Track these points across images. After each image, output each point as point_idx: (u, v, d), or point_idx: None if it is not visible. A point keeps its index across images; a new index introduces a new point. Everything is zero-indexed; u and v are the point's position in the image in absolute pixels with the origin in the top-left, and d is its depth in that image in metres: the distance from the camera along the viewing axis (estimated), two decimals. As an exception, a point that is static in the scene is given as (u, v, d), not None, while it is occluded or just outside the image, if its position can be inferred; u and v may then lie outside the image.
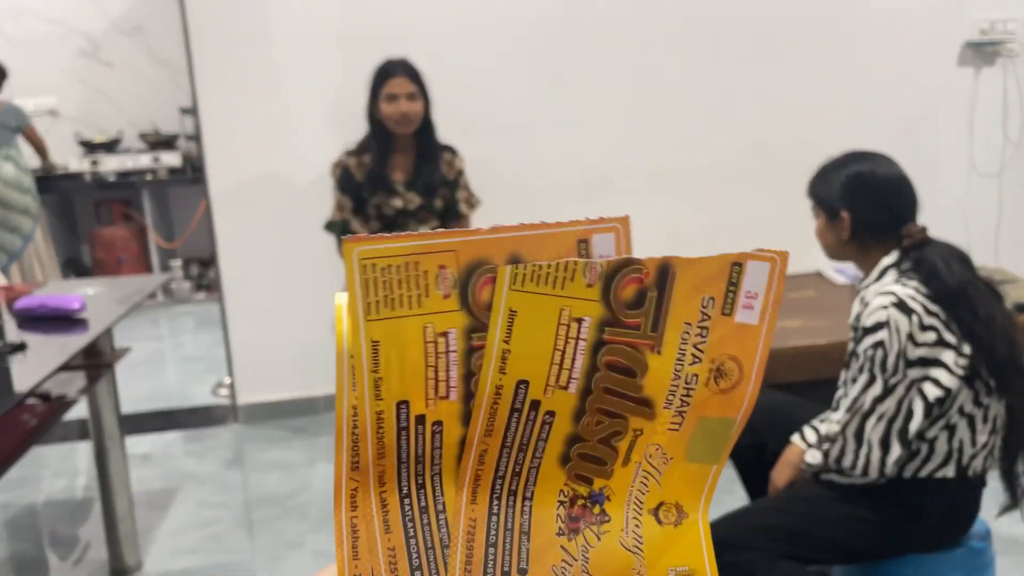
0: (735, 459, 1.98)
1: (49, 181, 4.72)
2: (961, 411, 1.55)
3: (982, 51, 3.31)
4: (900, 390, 1.52)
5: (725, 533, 1.54)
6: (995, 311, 1.55)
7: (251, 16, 2.85)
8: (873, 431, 1.53)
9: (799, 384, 2.52)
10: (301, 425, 3.08)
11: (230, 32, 2.84)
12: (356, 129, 2.77)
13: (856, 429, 1.54)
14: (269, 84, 2.90)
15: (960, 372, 1.51)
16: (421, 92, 2.67)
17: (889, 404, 1.53)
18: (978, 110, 3.36)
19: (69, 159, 4.85)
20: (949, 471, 1.56)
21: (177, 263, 5.08)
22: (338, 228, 2.80)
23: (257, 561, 2.20)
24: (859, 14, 3.19)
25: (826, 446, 1.59)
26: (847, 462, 1.56)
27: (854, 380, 1.57)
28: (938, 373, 1.51)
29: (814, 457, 1.64)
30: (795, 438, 1.74)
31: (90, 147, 4.91)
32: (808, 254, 3.15)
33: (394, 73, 2.64)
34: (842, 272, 3.15)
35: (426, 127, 2.73)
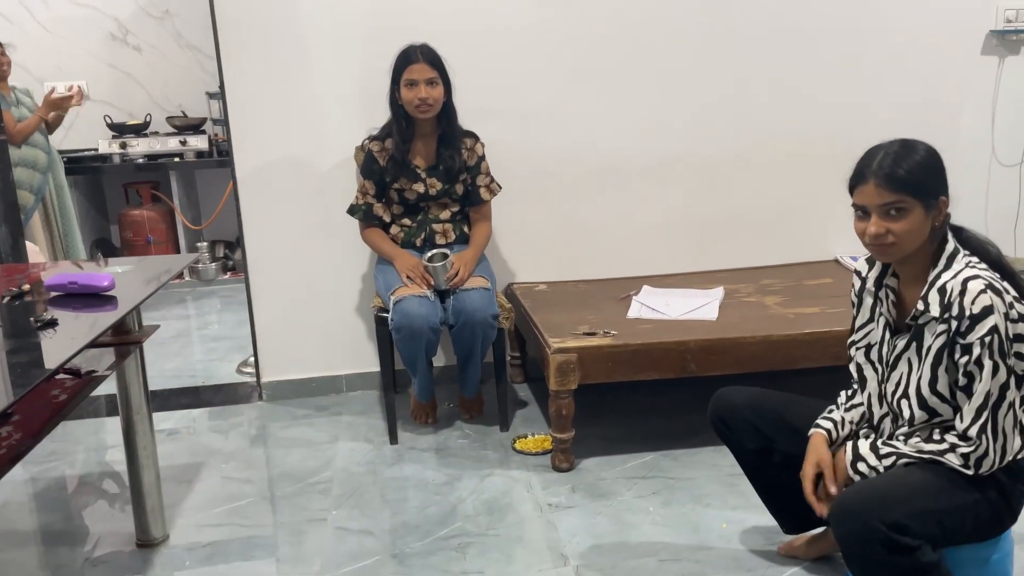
0: (743, 464, 2.01)
1: (79, 163, 4.82)
2: None
3: (1006, 40, 3.28)
4: (1016, 371, 1.52)
5: (903, 518, 1.48)
6: None
7: (278, 1, 2.89)
8: (1006, 420, 1.52)
9: (815, 370, 2.54)
10: (324, 403, 3.14)
11: (257, 17, 2.89)
12: (381, 113, 2.81)
13: (992, 424, 1.51)
14: (295, 68, 2.95)
15: None
16: (441, 77, 2.70)
17: (1013, 387, 1.52)
18: (1001, 99, 3.33)
19: (99, 142, 4.94)
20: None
21: (203, 244, 5.17)
22: (361, 212, 2.85)
23: (280, 535, 2.26)
24: (883, 2, 3.17)
25: (961, 452, 1.53)
26: (988, 463, 1.52)
27: (968, 374, 1.52)
28: (1023, 347, 1.52)
29: (867, 468, 1.61)
30: (814, 429, 1.76)
31: (119, 130, 5.00)
32: (824, 241, 3.17)
33: (414, 59, 2.67)
34: (857, 259, 3.15)
35: (446, 112, 2.76)
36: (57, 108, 4.05)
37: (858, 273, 1.78)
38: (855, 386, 1.79)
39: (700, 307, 2.75)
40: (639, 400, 3.02)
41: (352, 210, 2.87)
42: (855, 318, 1.78)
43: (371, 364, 3.17)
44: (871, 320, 1.74)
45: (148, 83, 5.18)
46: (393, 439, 2.78)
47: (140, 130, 5.03)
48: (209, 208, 5.26)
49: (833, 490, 1.65)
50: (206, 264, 5.13)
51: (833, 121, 3.20)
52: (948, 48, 3.25)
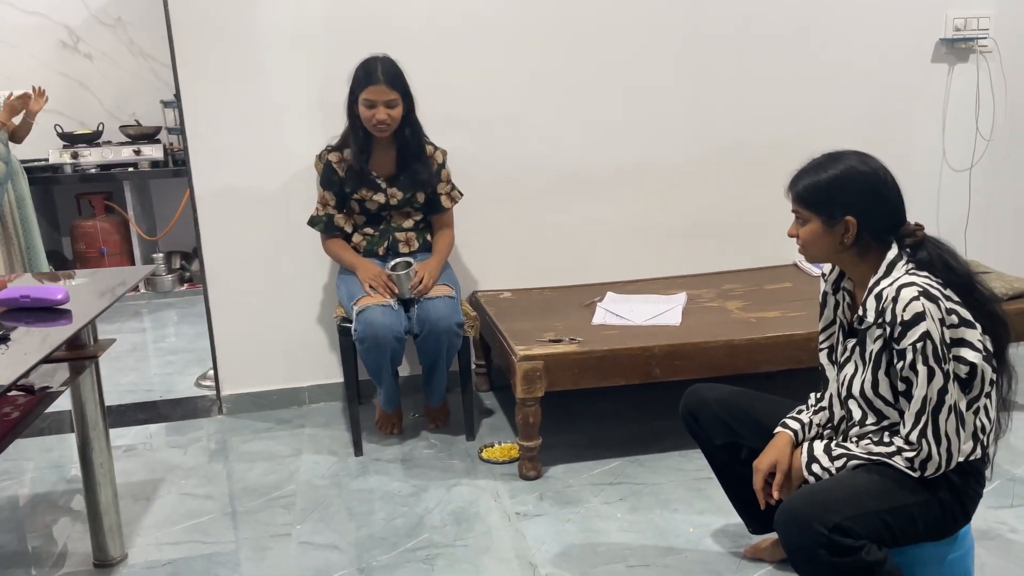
0: (711, 460, 2.02)
1: (29, 173, 4.68)
2: (984, 392, 1.58)
3: (955, 48, 3.37)
4: (960, 375, 1.55)
5: (843, 520, 1.50)
6: (996, 296, 1.63)
7: (235, 7, 2.85)
8: (947, 423, 1.53)
9: (777, 373, 2.58)
10: (286, 416, 3.09)
11: (213, 23, 2.84)
12: (340, 121, 2.78)
13: (932, 428, 1.53)
14: (253, 76, 2.91)
15: (982, 350, 1.56)
16: (402, 95, 2.67)
17: (953, 392, 1.54)
18: (951, 106, 3.42)
19: (49, 151, 4.81)
20: (978, 452, 1.60)
21: (159, 256, 5.06)
22: (321, 223, 2.82)
23: (243, 552, 2.22)
24: (836, 11, 3.24)
25: (906, 456, 1.55)
26: (933, 466, 1.54)
27: (906, 379, 1.55)
28: (964, 352, 1.55)
29: (820, 470, 1.63)
30: (780, 428, 1.78)
31: (71, 139, 4.88)
32: (785, 247, 3.21)
33: (374, 79, 2.63)
34: (816, 264, 3.20)
35: (409, 125, 2.74)
36: (16, 112, 3.91)
37: (823, 274, 1.81)
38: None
39: (663, 313, 2.77)
40: (605, 406, 3.03)
41: (313, 222, 2.83)
42: (820, 319, 1.80)
43: (334, 375, 3.13)
44: (833, 322, 1.77)
45: (100, 91, 5.08)
46: (358, 451, 2.75)
47: (92, 139, 4.91)
48: (165, 219, 5.15)
49: (776, 495, 1.69)
50: (162, 276, 5.03)
51: (789, 130, 3.25)
52: (900, 56, 3.33)
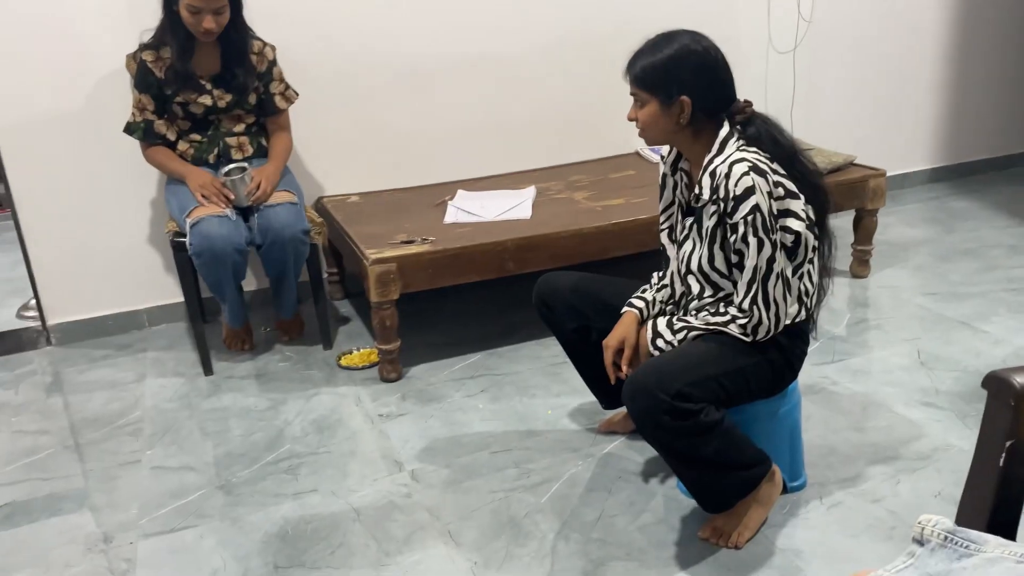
0: (564, 345, 2.08)
1: None
2: (807, 258, 1.68)
3: (779, -70, 3.45)
4: (786, 244, 1.63)
5: (683, 387, 1.57)
6: (818, 169, 1.72)
7: None
8: (775, 290, 1.62)
9: (624, 258, 2.66)
10: (125, 341, 2.90)
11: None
12: (151, 14, 2.52)
13: (762, 295, 1.61)
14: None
15: (806, 219, 1.65)
16: (230, 1, 2.45)
17: (780, 260, 1.62)
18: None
19: None
20: (803, 315, 1.71)
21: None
22: (140, 130, 2.58)
23: (90, 484, 2.10)
24: None
25: (739, 323, 1.64)
26: (763, 330, 1.64)
27: (738, 251, 1.62)
28: (790, 222, 1.64)
29: (664, 343, 1.72)
30: (627, 307, 1.85)
31: None
32: (627, 135, 3.28)
33: None
34: (656, 151, 3.29)
35: (234, 24, 2.52)
36: None
37: (662, 157, 1.85)
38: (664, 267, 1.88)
39: (514, 207, 2.77)
40: (461, 304, 3.04)
41: (130, 129, 2.59)
42: (660, 201, 1.85)
43: (173, 295, 2.95)
44: (673, 203, 1.83)
45: None
46: (207, 370, 2.63)
47: None
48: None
49: (625, 370, 1.77)
50: (-36, 202, 4.51)
51: (626, 17, 3.26)
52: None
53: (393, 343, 2.50)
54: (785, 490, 1.88)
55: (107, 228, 2.86)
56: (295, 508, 1.95)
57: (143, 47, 2.54)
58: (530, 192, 2.93)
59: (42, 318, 2.91)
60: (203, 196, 2.49)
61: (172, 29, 2.48)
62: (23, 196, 2.75)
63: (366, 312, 2.68)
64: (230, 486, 2.05)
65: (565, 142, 3.35)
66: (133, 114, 2.58)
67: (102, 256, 2.88)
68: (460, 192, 2.96)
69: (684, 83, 1.63)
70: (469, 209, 2.77)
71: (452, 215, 2.75)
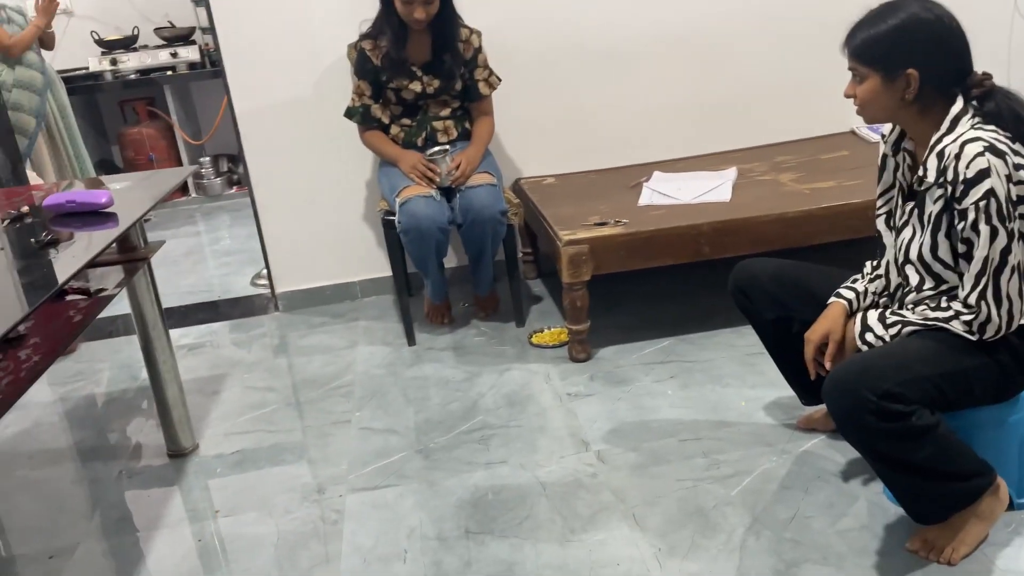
0: (762, 335, 1.99)
1: (71, 82, 4.71)
2: None
3: None
4: (1017, 234, 1.48)
5: (893, 387, 1.46)
6: None
7: None
8: (1009, 284, 1.48)
9: (832, 245, 2.50)
10: (340, 311, 3.16)
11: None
12: (373, 7, 2.69)
13: (993, 290, 1.48)
14: (277, -34, 2.81)
15: None
16: None
17: (1017, 251, 1.47)
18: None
19: (88, 59, 4.81)
20: None
21: (206, 159, 5.10)
22: (358, 114, 2.78)
23: (307, 439, 2.31)
24: None
25: (964, 319, 1.51)
26: (992, 329, 1.50)
27: (967, 240, 1.49)
28: None
29: (874, 338, 1.59)
30: (834, 298, 1.74)
31: (108, 46, 4.86)
32: (841, 113, 3.06)
33: None
34: (875, 129, 3.06)
35: (444, 12, 2.63)
36: (51, 13, 3.87)
37: (883, 136, 1.72)
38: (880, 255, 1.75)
39: (713, 189, 2.69)
40: (654, 287, 3.01)
41: (349, 112, 2.79)
42: (879, 184, 1.73)
43: (383, 269, 3.16)
44: (893, 186, 1.69)
45: (131, -5, 5.01)
46: (411, 341, 2.80)
47: (128, 44, 4.89)
48: (208, 121, 5.16)
49: (828, 366, 1.66)
50: (211, 179, 5.09)
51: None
52: None
53: (583, 324, 2.53)
54: (1012, 507, 1.70)
55: (329, 206, 3.11)
56: (486, 477, 2.04)
57: (363, 36, 2.72)
58: (731, 174, 2.82)
59: (271, 286, 3.23)
60: (415, 175, 2.64)
61: (388, 19, 2.63)
62: (259, 177, 3.05)
63: (558, 292, 2.72)
64: (428, 451, 2.18)
65: (771, 121, 3.19)
66: (352, 99, 2.77)
67: (323, 231, 3.14)
68: (656, 174, 2.92)
69: (911, 56, 1.50)
70: (665, 191, 2.73)
71: (647, 197, 2.72)
